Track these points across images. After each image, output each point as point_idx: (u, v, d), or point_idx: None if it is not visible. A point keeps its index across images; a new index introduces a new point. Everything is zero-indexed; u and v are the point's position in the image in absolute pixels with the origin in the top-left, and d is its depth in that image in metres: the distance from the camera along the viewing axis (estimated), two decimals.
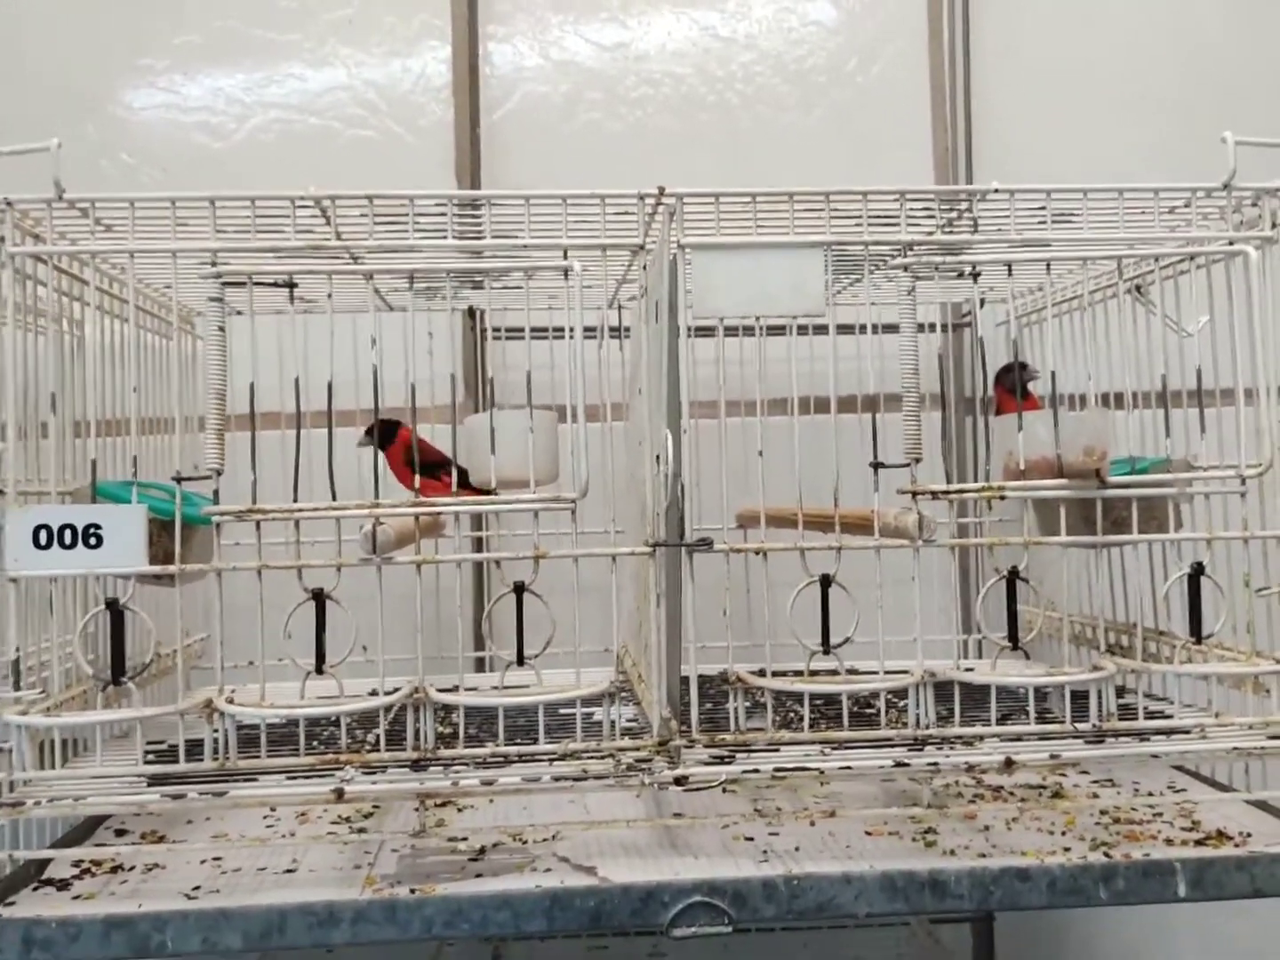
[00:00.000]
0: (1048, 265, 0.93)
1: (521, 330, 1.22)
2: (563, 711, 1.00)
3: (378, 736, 0.94)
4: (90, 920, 0.77)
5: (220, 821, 1.06)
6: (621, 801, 1.04)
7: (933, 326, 1.25)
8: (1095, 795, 1.08)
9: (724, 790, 1.00)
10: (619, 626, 0.93)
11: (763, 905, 0.80)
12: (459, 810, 1.08)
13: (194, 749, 0.91)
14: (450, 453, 0.94)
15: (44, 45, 1.56)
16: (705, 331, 1.07)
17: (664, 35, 1.64)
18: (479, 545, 1.30)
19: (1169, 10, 1.65)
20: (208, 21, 1.59)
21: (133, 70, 1.58)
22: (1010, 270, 0.93)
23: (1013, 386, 1.24)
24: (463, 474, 0.99)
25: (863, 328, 0.96)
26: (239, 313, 1.33)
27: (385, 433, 1.12)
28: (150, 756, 0.96)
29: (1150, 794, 1.09)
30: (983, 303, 1.42)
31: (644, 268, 0.92)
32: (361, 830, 1.03)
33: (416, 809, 1.07)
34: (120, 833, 1.05)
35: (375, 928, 0.79)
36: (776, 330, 1.02)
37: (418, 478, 0.90)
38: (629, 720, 1.05)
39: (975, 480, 1.03)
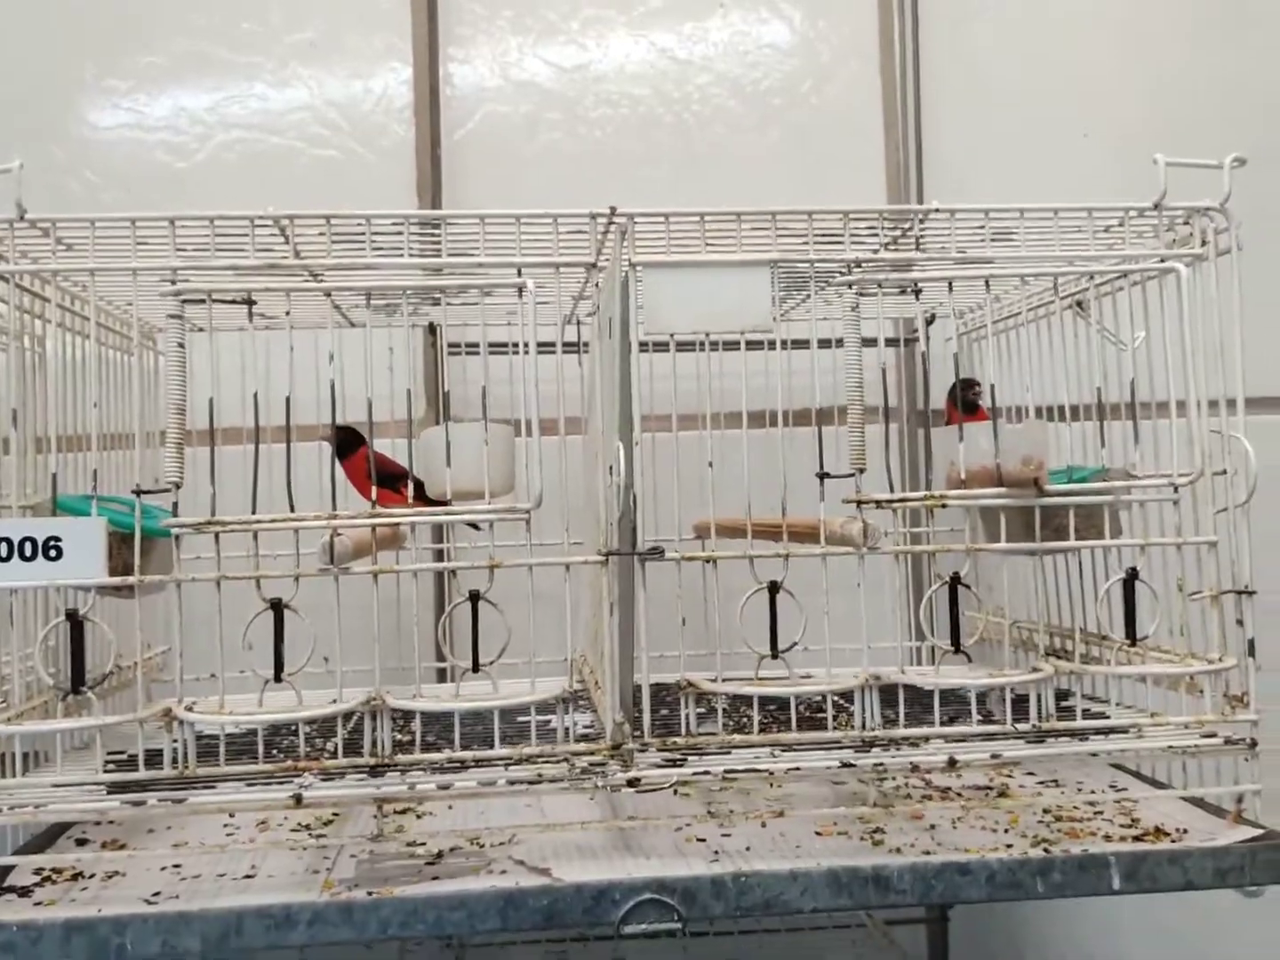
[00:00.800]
0: (986, 282, 0.96)
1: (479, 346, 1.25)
2: (520, 719, 1.02)
3: (337, 745, 0.97)
4: (50, 924, 0.79)
5: (181, 830, 1.08)
6: (577, 805, 1.06)
7: (885, 341, 1.28)
8: (1039, 794, 1.12)
9: (676, 793, 1.02)
10: (574, 635, 0.95)
11: (711, 902, 0.83)
12: (418, 817, 1.09)
13: (154, 758, 0.92)
14: (409, 466, 0.96)
15: (8, 65, 1.58)
16: (660, 346, 1.10)
17: (622, 57, 1.67)
18: (439, 556, 1.32)
19: (1118, 34, 1.70)
20: (172, 42, 1.61)
21: (98, 90, 1.59)
22: (951, 287, 0.96)
23: (963, 403, 1.28)
24: (420, 486, 1.01)
25: (808, 343, 0.99)
26: (200, 329, 1.36)
27: (346, 443, 1.14)
28: (110, 766, 0.97)
29: (1092, 792, 1.12)
30: (933, 319, 1.46)
31: (597, 285, 0.95)
32: (320, 837, 1.05)
33: (375, 815, 1.09)
34: (81, 842, 1.06)
35: (332, 929, 0.81)
36: (731, 345, 1.04)
37: (374, 489, 0.92)
38: (585, 727, 1.08)
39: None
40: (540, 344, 1.15)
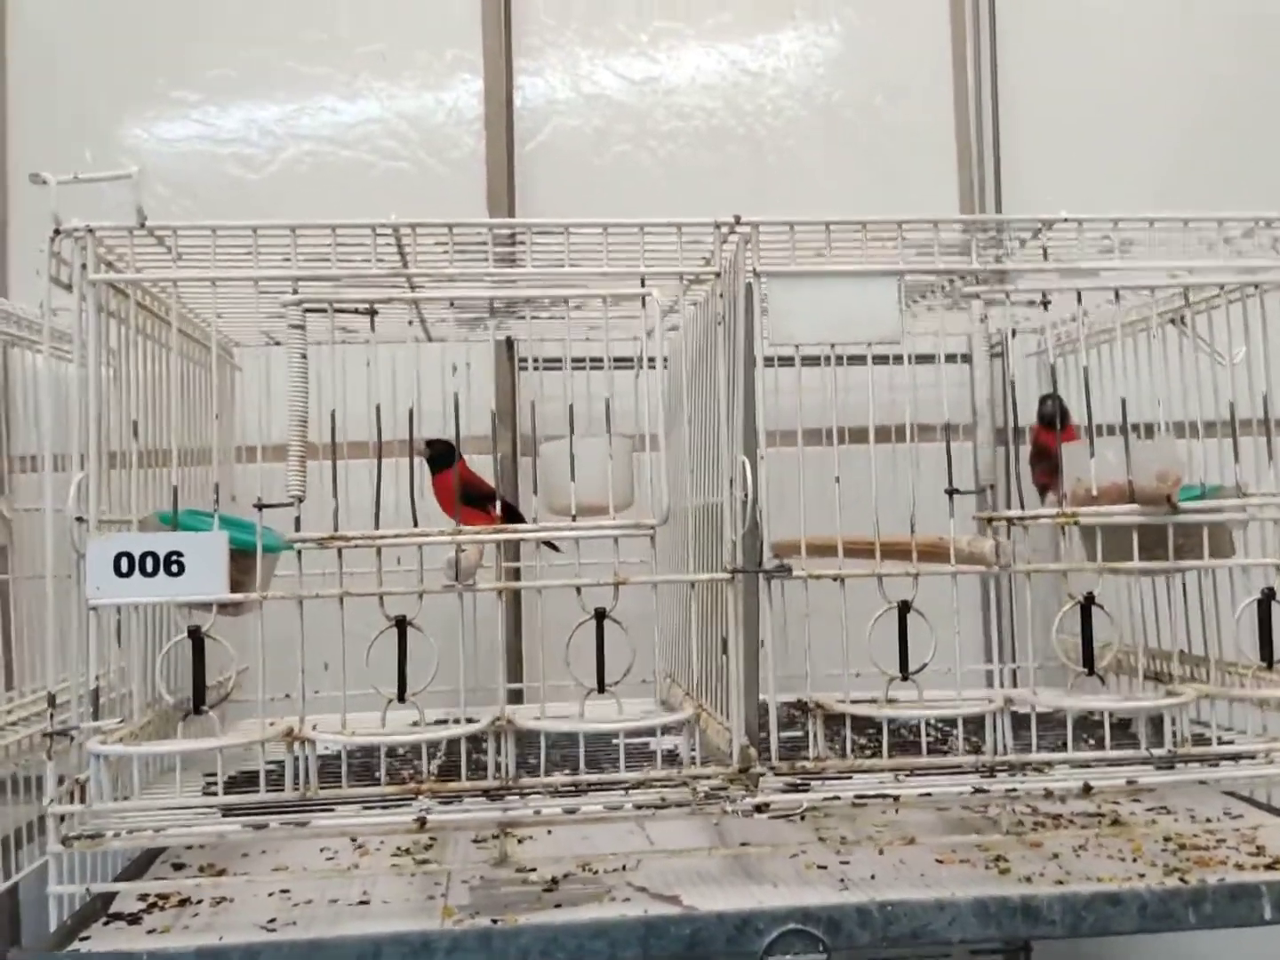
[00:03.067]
0: (1116, 293, 0.94)
1: (558, 361, 1.23)
2: (614, 743, 0.99)
3: (439, 766, 0.94)
4: (182, 953, 0.76)
5: (276, 854, 1.05)
6: (684, 830, 1.04)
7: (953, 357, 1.26)
8: (1154, 821, 1.09)
9: (791, 819, 1.00)
10: (660, 655, 0.93)
11: (857, 932, 0.80)
12: (519, 841, 1.07)
13: (251, 780, 0.90)
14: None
15: (78, 76, 1.56)
16: (785, 361, 1.07)
17: (693, 69, 1.66)
18: (516, 575, 1.30)
19: (1181, 47, 1.68)
20: (240, 53, 1.59)
21: (168, 102, 1.58)
22: (1080, 298, 0.94)
23: (1045, 419, 1.26)
24: (508, 508, 0.99)
25: (931, 357, 0.97)
26: (278, 343, 1.35)
27: (441, 456, 1.12)
28: (212, 787, 0.95)
29: (1208, 820, 1.09)
30: (1014, 333, 1.44)
31: (720, 295, 0.93)
32: (424, 862, 1.02)
33: (475, 840, 1.06)
34: (178, 866, 1.03)
35: (470, 955, 0.78)
36: (856, 359, 1.02)
37: (458, 508, 0.90)
38: (668, 750, 1.04)
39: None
40: (616, 359, 1.15)
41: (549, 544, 1.17)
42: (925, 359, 0.99)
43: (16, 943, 1.46)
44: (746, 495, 0.89)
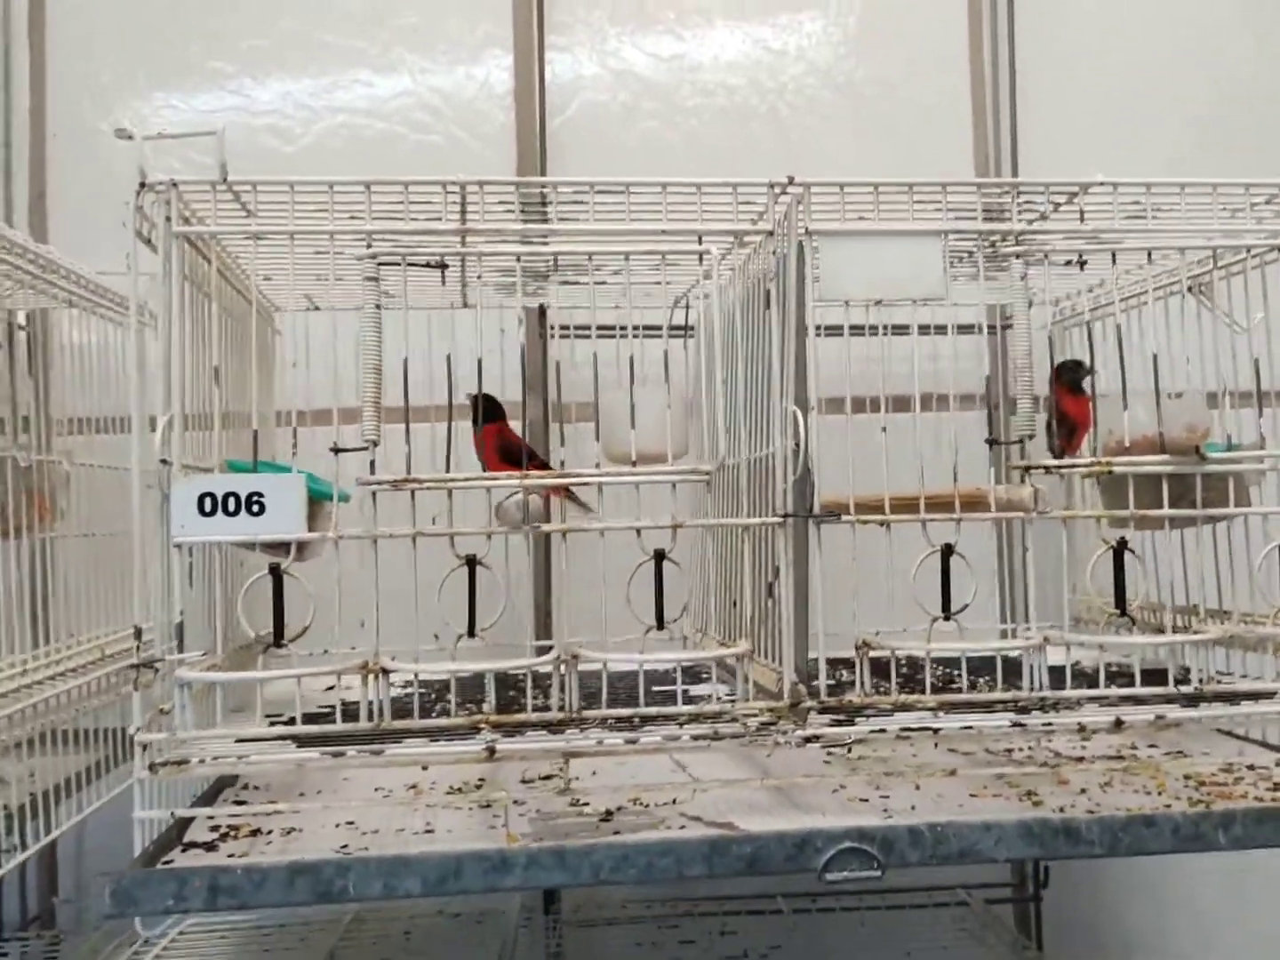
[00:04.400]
0: (1149, 254, 0.99)
1: (587, 328, 1.26)
2: (655, 688, 1.03)
3: (503, 704, 0.99)
4: (275, 867, 0.80)
5: (333, 794, 1.09)
6: (724, 764, 1.08)
7: (982, 328, 1.30)
8: (1174, 764, 1.14)
9: (825, 761, 1.05)
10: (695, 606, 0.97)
11: (909, 851, 0.85)
12: (564, 781, 1.11)
13: (321, 718, 0.94)
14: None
15: (115, 45, 1.59)
16: (832, 330, 1.11)
17: (717, 47, 1.70)
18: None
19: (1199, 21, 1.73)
20: (274, 25, 1.62)
21: (204, 74, 1.61)
22: (1114, 259, 0.99)
23: (1069, 383, 1.31)
24: (543, 465, 1.03)
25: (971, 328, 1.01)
26: (317, 308, 1.38)
27: (490, 409, 1.16)
28: (278, 724, 0.98)
29: (1226, 763, 1.14)
30: (1030, 304, 1.49)
31: (773, 253, 0.97)
32: (478, 799, 1.06)
33: (523, 780, 1.10)
34: (239, 803, 1.07)
35: (545, 873, 0.82)
36: (900, 329, 1.06)
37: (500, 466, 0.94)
38: (725, 697, 1.09)
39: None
40: (647, 327, 1.19)
41: (575, 499, 1.20)
42: (964, 329, 1.03)
43: (54, 891, 1.50)
44: (798, 444, 0.94)
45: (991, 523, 1.21)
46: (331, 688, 1.04)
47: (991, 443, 0.96)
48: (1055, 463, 0.96)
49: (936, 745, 1.03)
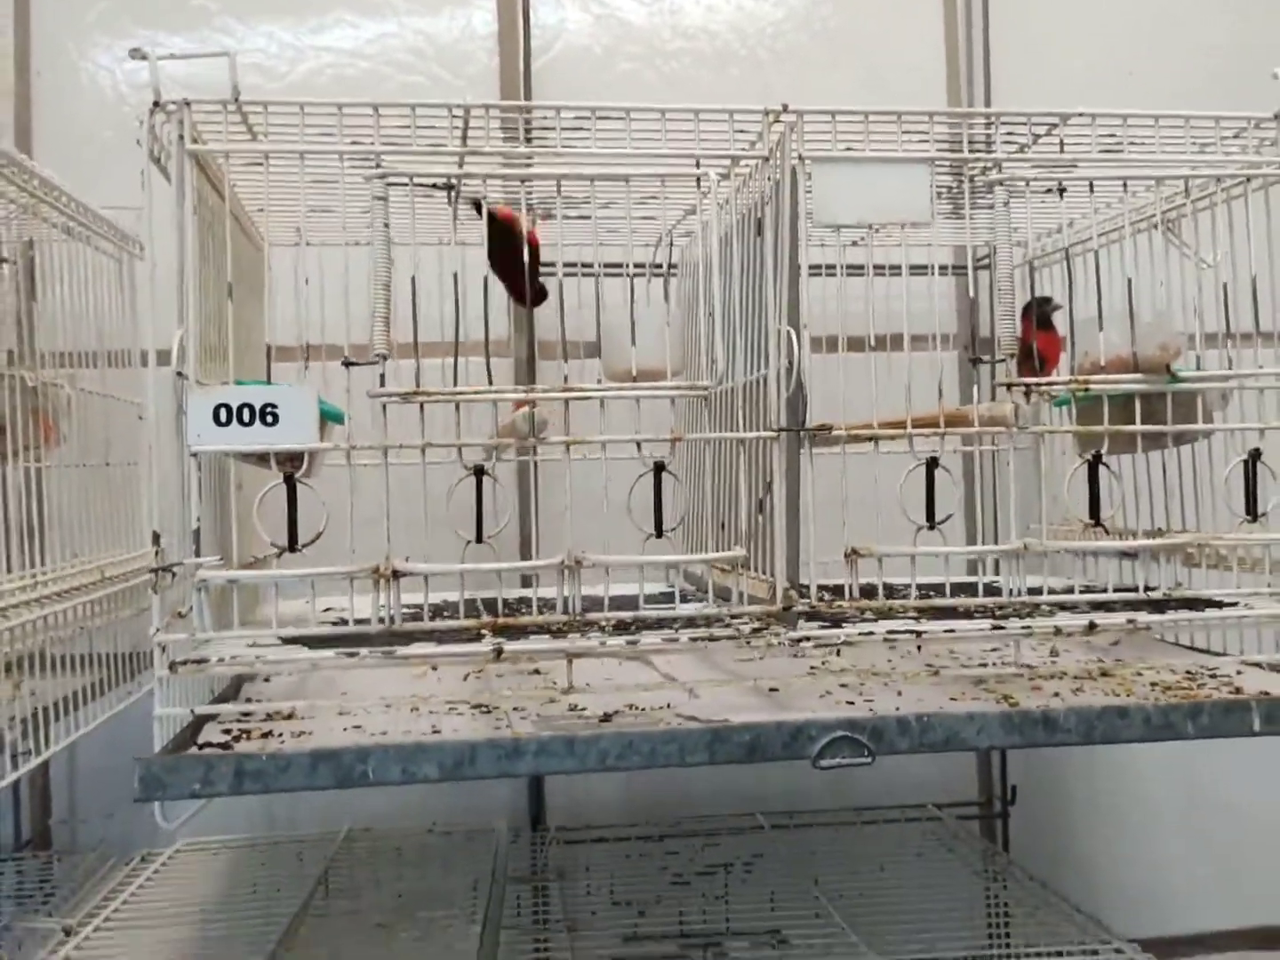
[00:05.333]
0: (1125, 184, 1.04)
1: (572, 266, 1.29)
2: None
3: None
4: (298, 754, 0.84)
5: (336, 705, 1.13)
6: (713, 674, 1.13)
7: (944, 269, 1.34)
8: (1139, 674, 1.20)
9: (809, 673, 1.11)
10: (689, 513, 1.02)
11: (898, 739, 0.90)
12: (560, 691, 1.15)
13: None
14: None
15: None
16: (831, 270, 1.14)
17: None
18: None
19: None
20: None
21: (187, 12, 1.62)
22: (1092, 187, 1.04)
23: (1037, 318, 1.36)
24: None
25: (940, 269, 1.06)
26: (309, 244, 1.41)
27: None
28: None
29: (1188, 672, 1.20)
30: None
31: (768, 178, 1.01)
32: (478, 707, 1.10)
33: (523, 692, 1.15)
34: (246, 714, 1.11)
35: (556, 760, 0.87)
36: (896, 270, 1.09)
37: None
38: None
39: None
40: (636, 265, 1.22)
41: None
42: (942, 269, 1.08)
43: (48, 812, 1.53)
44: (791, 362, 0.98)
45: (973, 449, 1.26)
46: (334, 613, 1.07)
47: (974, 361, 1.01)
48: (1035, 380, 1.01)
49: (919, 649, 1.08)
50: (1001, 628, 1.00)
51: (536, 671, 1.20)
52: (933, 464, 1.00)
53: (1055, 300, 1.42)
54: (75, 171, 1.25)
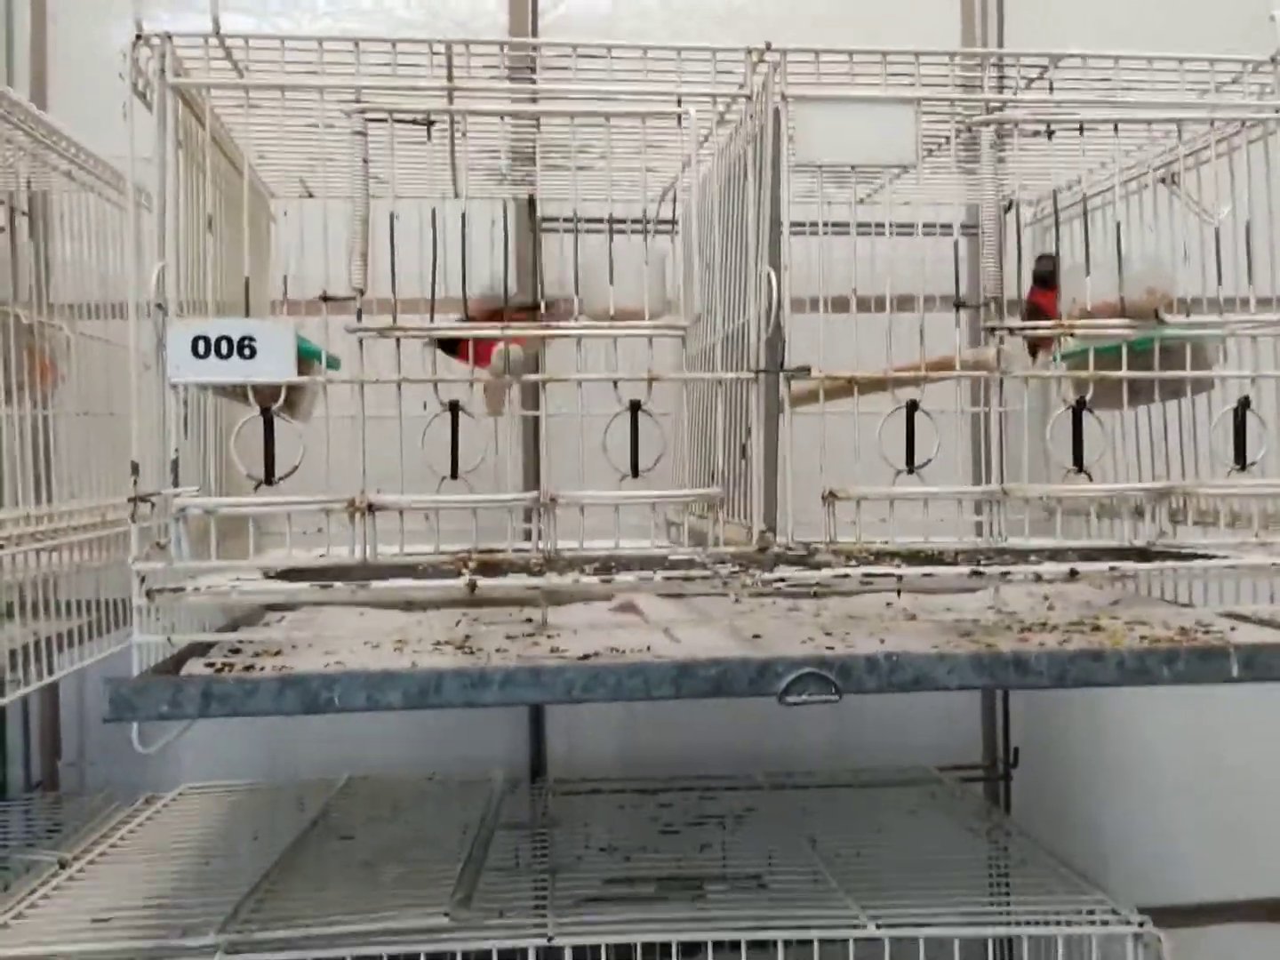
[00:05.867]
0: (1115, 126, 1.02)
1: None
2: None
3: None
4: (266, 679, 0.85)
5: (322, 644, 1.14)
6: (693, 622, 1.13)
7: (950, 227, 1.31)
8: (1131, 629, 1.18)
9: (790, 616, 1.10)
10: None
11: (865, 678, 0.89)
12: (547, 637, 1.15)
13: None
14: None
15: None
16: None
17: None
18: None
19: None
20: None
21: None
22: (1081, 129, 1.02)
23: (1038, 276, 1.34)
24: None
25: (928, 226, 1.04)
26: (311, 195, 1.42)
27: None
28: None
29: (1182, 628, 1.18)
30: (1010, 205, 1.52)
31: (752, 117, 1.00)
32: (461, 648, 1.11)
33: (507, 637, 1.15)
34: (234, 650, 1.12)
35: (522, 689, 0.87)
36: (880, 229, 1.08)
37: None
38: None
39: None
40: (633, 220, 1.23)
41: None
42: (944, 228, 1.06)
43: (58, 755, 1.56)
44: (771, 303, 0.97)
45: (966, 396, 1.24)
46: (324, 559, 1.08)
47: (959, 305, 1.00)
48: (1019, 324, 1.00)
49: (899, 595, 1.07)
50: (980, 573, 0.99)
51: (529, 620, 1.21)
52: (912, 407, 0.99)
53: (1058, 259, 1.41)
54: (88, 121, 1.26)
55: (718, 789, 1.50)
